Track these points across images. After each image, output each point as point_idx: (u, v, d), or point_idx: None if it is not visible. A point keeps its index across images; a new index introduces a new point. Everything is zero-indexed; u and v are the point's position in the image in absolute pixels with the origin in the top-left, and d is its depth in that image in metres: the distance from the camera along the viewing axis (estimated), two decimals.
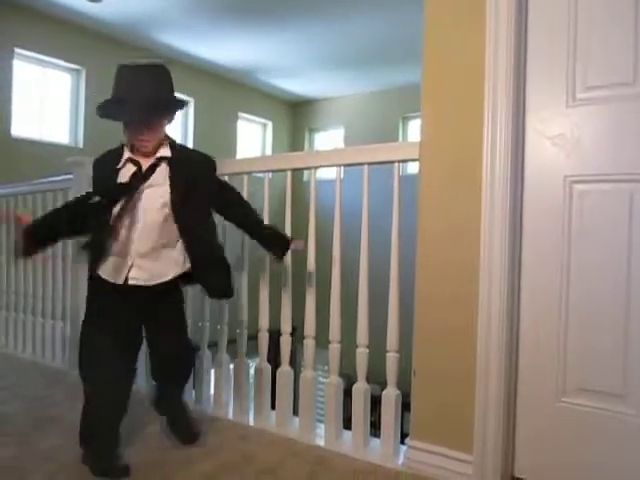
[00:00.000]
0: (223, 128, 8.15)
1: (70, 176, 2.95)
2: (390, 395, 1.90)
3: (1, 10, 5.72)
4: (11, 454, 1.86)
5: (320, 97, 9.34)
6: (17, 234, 1.87)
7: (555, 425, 1.63)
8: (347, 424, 2.05)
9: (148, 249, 1.73)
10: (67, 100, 6.58)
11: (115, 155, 1.77)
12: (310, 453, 1.93)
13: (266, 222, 2.08)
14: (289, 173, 2.19)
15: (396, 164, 1.92)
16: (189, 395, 2.41)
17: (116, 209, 1.70)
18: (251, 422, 2.22)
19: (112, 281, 1.74)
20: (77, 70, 6.58)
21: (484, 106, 1.65)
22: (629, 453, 1.52)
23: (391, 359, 1.91)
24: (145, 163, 1.73)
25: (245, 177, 2.30)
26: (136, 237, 1.71)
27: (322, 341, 2.13)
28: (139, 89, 1.65)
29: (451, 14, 1.74)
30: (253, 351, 2.29)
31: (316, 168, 2.13)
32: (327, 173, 2.23)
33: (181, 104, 1.78)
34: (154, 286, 1.75)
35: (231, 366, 2.35)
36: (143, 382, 2.44)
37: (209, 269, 1.81)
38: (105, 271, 1.75)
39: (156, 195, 1.71)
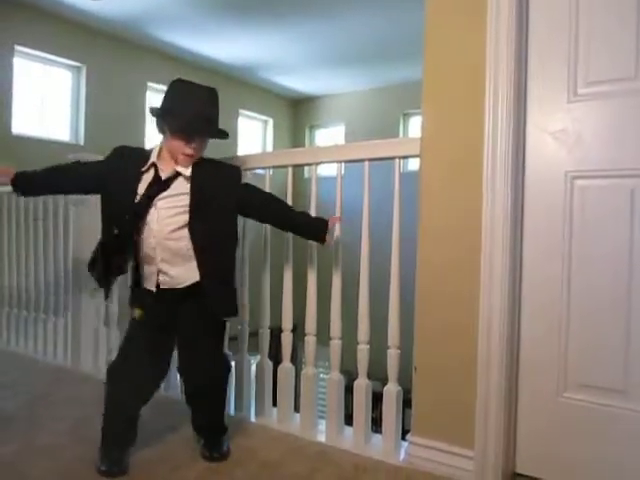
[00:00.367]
0: (224, 125, 8.10)
1: None
2: (391, 391, 1.91)
3: (2, 7, 5.72)
4: (12, 451, 1.87)
5: (321, 94, 9.32)
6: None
7: (556, 421, 1.64)
8: (348, 420, 2.05)
9: (170, 256, 1.72)
10: (68, 97, 6.58)
11: (144, 155, 1.77)
12: (311, 449, 1.93)
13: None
14: (290, 169, 2.19)
15: (397, 160, 1.92)
16: None
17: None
18: (252, 418, 2.22)
19: (147, 288, 1.77)
20: (78, 67, 6.58)
21: (485, 102, 1.65)
22: (630, 449, 1.52)
23: (392, 355, 1.91)
24: (164, 173, 1.73)
25: (248, 174, 2.30)
26: (158, 245, 1.71)
27: (323, 338, 2.13)
28: (198, 104, 1.71)
29: (452, 9, 1.73)
30: (254, 348, 2.29)
31: (317, 164, 2.13)
32: (328, 170, 2.23)
33: (227, 135, 1.80)
34: (186, 288, 1.74)
35: (232, 363, 2.35)
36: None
37: (214, 287, 1.75)
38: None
39: (174, 204, 1.71)
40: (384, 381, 1.92)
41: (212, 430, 1.90)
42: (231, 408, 2.29)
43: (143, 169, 1.74)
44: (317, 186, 2.13)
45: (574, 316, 1.62)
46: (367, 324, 1.98)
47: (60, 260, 3.13)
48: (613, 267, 1.55)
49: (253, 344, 2.31)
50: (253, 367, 2.30)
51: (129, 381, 1.71)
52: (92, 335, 2.93)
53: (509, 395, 1.66)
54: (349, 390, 2.02)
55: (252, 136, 9.21)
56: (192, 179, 1.73)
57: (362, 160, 1.98)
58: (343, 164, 2.06)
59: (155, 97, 6.94)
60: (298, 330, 2.21)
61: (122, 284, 2.38)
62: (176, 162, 1.73)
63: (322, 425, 2.08)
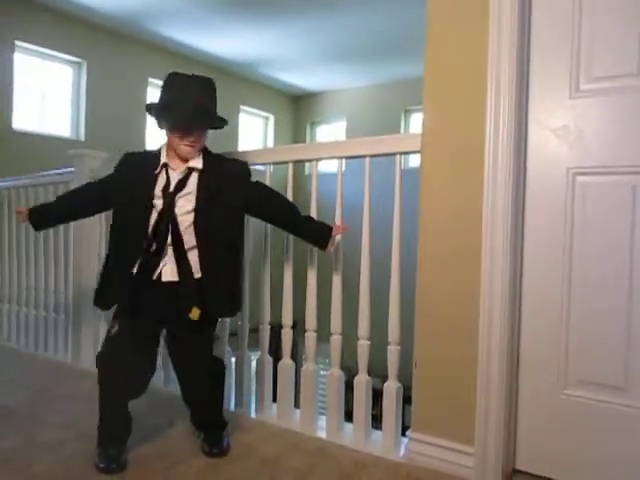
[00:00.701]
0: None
1: (71, 169, 2.95)
2: (391, 387, 1.91)
3: (2, 2, 5.71)
4: (12, 446, 1.87)
5: (322, 90, 9.31)
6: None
7: (557, 417, 1.63)
8: (348, 417, 2.05)
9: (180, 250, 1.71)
10: (68, 93, 6.58)
11: (153, 159, 1.76)
12: (311, 445, 1.93)
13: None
14: (290, 165, 2.19)
15: (398, 156, 1.91)
16: None
17: (153, 217, 1.70)
18: (252, 414, 2.22)
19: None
20: (78, 63, 6.57)
21: (487, 97, 1.64)
22: (630, 445, 1.52)
23: (392, 351, 1.91)
24: (176, 172, 1.73)
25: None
26: (170, 240, 1.70)
27: (323, 335, 2.13)
28: (191, 96, 1.69)
29: (454, 5, 1.72)
30: (254, 344, 2.29)
31: (317, 160, 2.12)
32: (328, 166, 2.23)
33: (225, 122, 1.80)
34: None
35: (232, 359, 2.35)
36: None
37: (213, 286, 1.73)
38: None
39: (187, 202, 1.71)
40: (384, 378, 1.92)
41: (211, 426, 1.89)
42: (231, 404, 2.30)
43: (156, 171, 1.73)
44: (317, 182, 2.13)
45: (575, 313, 1.61)
46: (367, 320, 1.98)
47: (61, 257, 3.13)
48: (614, 264, 1.55)
49: (253, 340, 2.31)
50: (253, 363, 2.30)
51: (120, 369, 1.69)
52: (92, 332, 2.93)
53: (509, 391, 1.66)
54: (349, 386, 2.02)
55: (253, 132, 9.21)
56: (201, 174, 1.73)
57: (363, 156, 1.97)
58: (344, 160, 2.05)
59: (156, 93, 6.95)
60: (298, 326, 2.21)
61: None
62: (180, 155, 1.73)
63: (322, 421, 2.08)
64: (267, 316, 2.25)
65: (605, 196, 1.56)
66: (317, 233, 1.86)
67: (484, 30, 1.65)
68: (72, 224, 2.99)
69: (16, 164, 5.08)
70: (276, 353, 2.23)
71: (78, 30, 6.38)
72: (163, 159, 1.74)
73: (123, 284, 1.71)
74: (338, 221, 2.01)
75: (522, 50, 1.64)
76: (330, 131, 9.60)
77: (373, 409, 2.00)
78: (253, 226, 2.30)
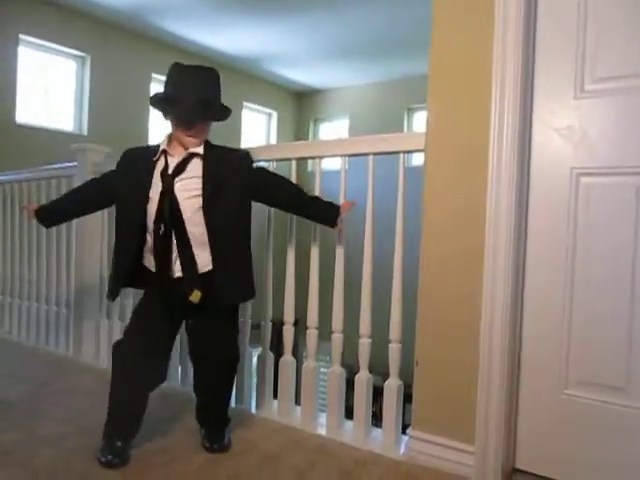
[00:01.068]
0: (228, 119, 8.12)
1: (74, 163, 2.96)
2: (392, 385, 1.91)
3: None
4: (13, 439, 1.88)
5: (325, 87, 9.30)
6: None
7: (557, 417, 1.64)
8: (348, 415, 2.06)
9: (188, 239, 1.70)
10: (72, 87, 6.57)
11: (154, 151, 1.76)
12: (312, 442, 1.94)
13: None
14: (294, 162, 2.18)
15: (401, 155, 1.91)
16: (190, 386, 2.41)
17: (153, 206, 1.69)
18: (253, 410, 2.23)
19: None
20: (82, 57, 6.56)
21: (491, 97, 1.64)
22: (630, 446, 1.52)
23: (393, 349, 1.92)
24: (175, 157, 1.73)
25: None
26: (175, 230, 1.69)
27: (324, 332, 2.13)
28: (194, 89, 1.70)
29: (459, 5, 1.72)
30: (255, 340, 2.29)
31: (321, 158, 2.12)
32: (331, 164, 2.22)
33: (229, 111, 1.80)
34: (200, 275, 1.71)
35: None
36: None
37: (226, 274, 1.73)
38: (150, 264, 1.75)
39: (190, 187, 1.70)
40: (384, 376, 1.92)
41: (215, 421, 1.90)
42: (232, 400, 2.30)
43: (155, 158, 1.74)
44: (321, 179, 2.12)
45: (577, 314, 1.61)
46: (369, 318, 1.98)
47: (63, 250, 3.13)
48: (617, 265, 1.55)
49: (254, 337, 2.31)
50: (254, 359, 2.31)
51: (134, 363, 1.70)
52: (94, 326, 2.94)
53: (510, 391, 1.66)
54: (349, 384, 2.02)
55: (256, 129, 9.20)
56: (204, 160, 1.73)
57: (366, 154, 1.97)
58: (347, 158, 2.05)
59: (159, 88, 6.95)
60: (299, 324, 2.21)
61: None
62: (183, 144, 1.73)
63: (322, 418, 2.09)
64: (269, 312, 2.25)
65: (609, 197, 1.56)
66: (326, 212, 1.86)
67: (489, 30, 1.64)
68: (75, 219, 3.00)
69: (19, 158, 5.09)
70: (277, 350, 2.24)
71: (82, 24, 6.37)
72: (163, 146, 1.75)
73: (124, 273, 1.75)
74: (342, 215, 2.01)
75: (527, 50, 1.64)
76: (333, 129, 9.58)
77: (373, 407, 2.01)
78: (254, 221, 2.29)
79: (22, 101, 6.00)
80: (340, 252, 2.04)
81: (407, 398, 1.89)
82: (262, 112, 9.31)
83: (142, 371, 1.71)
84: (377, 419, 2.00)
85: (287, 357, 2.18)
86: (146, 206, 1.70)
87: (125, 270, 1.76)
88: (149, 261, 1.75)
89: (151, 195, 1.70)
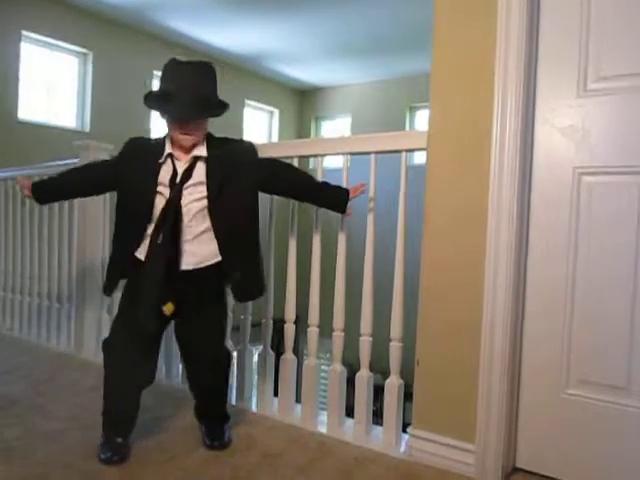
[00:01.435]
0: (230, 115, 8.10)
1: (76, 160, 2.95)
2: (393, 383, 1.91)
3: None
4: (16, 435, 1.88)
5: (327, 85, 9.29)
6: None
7: (558, 416, 1.64)
8: (349, 413, 2.06)
9: (191, 237, 1.70)
10: (74, 84, 6.57)
11: (158, 147, 1.75)
12: (312, 440, 1.94)
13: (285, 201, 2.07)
14: (296, 160, 2.18)
15: (403, 153, 1.91)
16: None
17: (158, 204, 1.69)
18: (254, 408, 2.23)
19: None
20: (84, 54, 6.57)
21: (494, 95, 1.64)
22: (631, 445, 1.52)
23: (394, 348, 1.91)
24: (182, 162, 1.72)
25: None
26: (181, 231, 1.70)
27: (325, 331, 2.13)
28: (189, 85, 1.67)
29: (462, 3, 1.71)
30: (256, 339, 2.29)
31: (323, 156, 2.12)
32: (333, 162, 2.22)
33: (225, 107, 1.77)
34: (199, 271, 1.72)
35: (235, 354, 2.36)
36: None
37: (236, 269, 1.75)
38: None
39: (195, 191, 1.70)
40: (385, 374, 1.92)
41: (214, 417, 1.90)
42: (233, 398, 2.30)
43: (160, 161, 1.72)
44: (323, 177, 2.12)
45: (578, 313, 1.61)
46: (370, 316, 1.98)
47: (64, 247, 3.14)
48: (618, 264, 1.54)
49: (255, 335, 2.31)
50: (255, 357, 2.31)
51: (126, 360, 1.70)
52: (95, 322, 2.94)
53: (511, 390, 1.66)
54: (350, 383, 2.02)
55: (258, 127, 9.20)
56: (208, 162, 1.72)
57: (369, 152, 1.97)
58: (349, 156, 2.05)
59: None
60: (300, 322, 2.21)
61: None
62: (181, 145, 1.72)
63: (323, 416, 2.09)
64: (270, 310, 2.25)
65: (611, 197, 1.56)
66: (335, 198, 1.85)
67: (492, 29, 1.64)
68: (76, 215, 3.01)
69: (21, 155, 5.09)
70: (277, 348, 2.24)
71: (85, 21, 6.37)
72: (168, 149, 1.73)
73: (120, 267, 1.76)
74: (343, 217, 2.01)
75: (530, 48, 1.63)
76: (335, 127, 9.58)
77: (374, 405, 2.01)
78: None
79: (24, 98, 6.00)
80: (342, 250, 2.04)
81: (407, 397, 1.89)
82: (264, 110, 9.31)
83: (133, 368, 1.71)
84: (377, 418, 2.00)
85: (288, 355, 2.18)
86: (150, 207, 1.69)
87: (123, 263, 1.76)
88: (143, 253, 1.72)
89: (157, 200, 1.69)
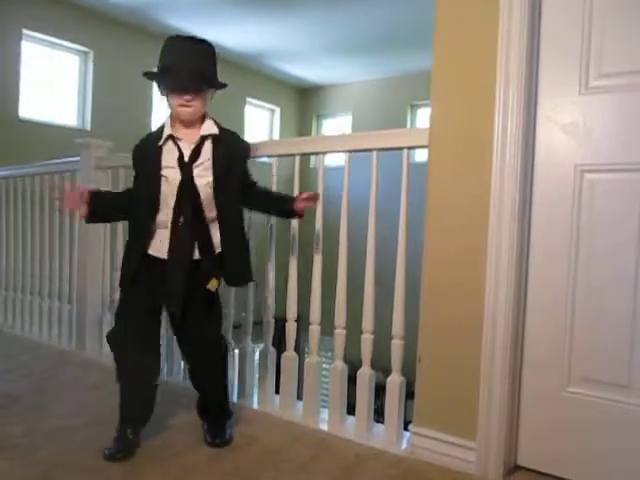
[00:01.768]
0: (231, 113, 8.12)
1: (78, 158, 2.96)
2: (395, 381, 1.91)
3: None
4: (19, 433, 1.88)
5: (328, 83, 9.28)
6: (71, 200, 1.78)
7: (559, 414, 1.64)
8: (350, 411, 2.06)
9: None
10: (75, 82, 6.57)
11: (156, 134, 1.76)
12: (313, 437, 1.94)
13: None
14: (297, 158, 2.18)
15: (405, 150, 1.90)
16: None
17: (168, 195, 1.69)
18: (255, 405, 2.23)
19: (159, 256, 1.73)
20: (85, 52, 6.56)
21: (495, 93, 1.63)
22: (633, 443, 1.52)
23: (396, 345, 1.91)
24: (186, 142, 1.72)
25: (253, 161, 2.30)
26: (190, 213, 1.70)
27: (326, 329, 2.13)
28: (187, 57, 1.68)
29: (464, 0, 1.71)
30: (258, 336, 2.30)
31: (324, 153, 2.12)
32: (334, 160, 2.22)
33: (224, 85, 1.79)
34: (197, 260, 1.72)
35: (236, 351, 2.36)
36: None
37: (234, 255, 1.77)
38: (154, 248, 1.74)
39: (203, 173, 1.71)
40: (386, 373, 1.92)
41: (216, 415, 1.90)
42: (234, 395, 2.31)
43: (160, 144, 1.72)
44: (324, 175, 2.12)
45: (580, 311, 1.61)
46: (372, 314, 1.98)
47: (66, 245, 3.14)
48: (621, 262, 1.54)
49: (257, 333, 2.31)
50: (257, 355, 2.31)
51: (134, 348, 1.72)
52: (97, 321, 2.95)
53: (512, 388, 1.66)
54: (351, 381, 2.02)
55: (259, 125, 9.19)
56: (215, 143, 1.73)
57: (370, 150, 1.97)
58: (351, 154, 2.05)
59: None
60: (301, 320, 2.21)
61: None
62: (183, 122, 1.72)
63: (324, 413, 2.09)
64: (271, 307, 2.25)
65: (613, 194, 1.56)
66: (283, 206, 1.85)
67: (493, 26, 1.63)
68: (78, 213, 3.00)
69: (22, 153, 5.10)
70: (279, 346, 2.24)
71: (86, 19, 6.37)
72: (168, 131, 1.73)
73: (135, 262, 1.74)
74: (344, 215, 2.01)
75: (532, 45, 1.63)
76: (336, 125, 9.57)
77: (375, 403, 2.01)
78: (256, 217, 2.30)
79: (25, 96, 6.00)
80: (343, 248, 2.04)
81: (409, 395, 1.90)
82: (265, 108, 9.31)
83: (139, 361, 1.73)
84: (378, 415, 2.00)
85: (289, 352, 2.18)
86: (156, 192, 1.69)
87: (139, 254, 1.74)
88: (156, 248, 1.73)
89: (163, 185, 1.69)
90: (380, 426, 1.97)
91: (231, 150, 1.77)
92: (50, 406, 2.15)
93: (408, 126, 8.31)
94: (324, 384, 2.10)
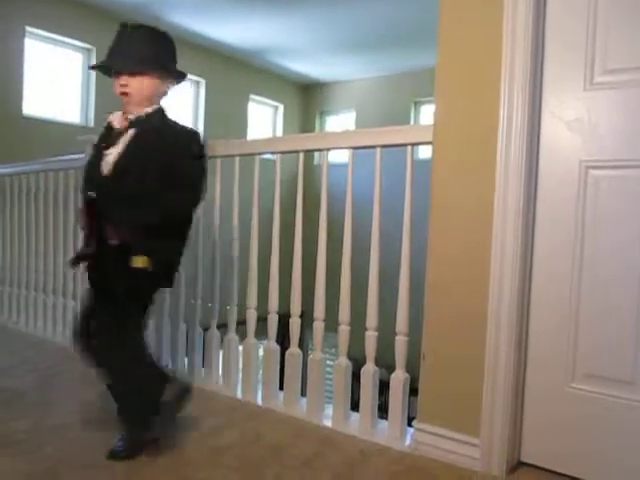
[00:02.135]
0: (234, 110, 8.12)
1: (81, 155, 2.95)
2: (399, 377, 1.91)
3: None
4: (23, 428, 1.89)
5: (332, 80, 9.26)
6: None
7: (563, 411, 1.63)
8: (354, 408, 2.06)
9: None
10: (78, 79, 6.57)
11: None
12: (317, 433, 1.95)
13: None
14: (301, 155, 2.18)
15: (409, 147, 1.90)
16: (198, 376, 2.43)
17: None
18: (259, 401, 2.24)
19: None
20: (88, 49, 6.56)
21: (500, 89, 1.63)
22: (636, 440, 1.52)
23: (400, 342, 1.92)
24: (118, 125, 1.71)
25: (257, 158, 2.30)
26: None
27: (330, 325, 2.13)
28: (124, 41, 1.69)
29: None
30: (262, 333, 2.30)
31: (328, 150, 2.12)
32: (337, 157, 2.22)
33: (160, 66, 1.71)
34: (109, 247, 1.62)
35: (240, 347, 2.36)
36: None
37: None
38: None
39: (111, 158, 1.65)
40: (390, 369, 1.92)
41: (121, 418, 1.77)
42: (238, 391, 2.31)
43: (102, 133, 1.75)
44: (327, 172, 2.12)
45: (584, 308, 1.61)
46: (376, 311, 1.98)
47: (70, 241, 3.15)
48: (625, 258, 1.54)
49: (260, 329, 2.31)
50: (260, 351, 2.32)
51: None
52: None
53: (516, 384, 1.66)
54: (355, 378, 2.02)
55: (262, 122, 9.18)
56: (136, 131, 1.66)
57: (374, 146, 1.96)
58: (354, 151, 2.04)
59: None
60: (305, 316, 2.21)
61: None
62: (124, 107, 1.71)
63: (328, 410, 2.09)
64: (275, 303, 2.25)
65: (618, 190, 1.55)
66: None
67: (498, 22, 1.63)
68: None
69: (26, 150, 5.10)
70: (283, 343, 2.24)
71: (88, 16, 6.36)
72: (109, 118, 1.74)
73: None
74: (348, 211, 2.01)
75: (537, 42, 1.62)
76: (339, 122, 9.55)
77: (378, 400, 2.01)
78: (259, 214, 2.30)
79: (29, 93, 6.00)
80: (347, 245, 2.03)
81: (412, 391, 1.90)
82: (268, 105, 9.29)
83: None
84: (382, 412, 2.00)
85: (293, 349, 2.18)
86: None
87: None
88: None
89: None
90: (384, 422, 1.97)
91: (145, 139, 1.66)
92: (55, 402, 2.16)
93: (412, 123, 8.29)
94: (328, 381, 2.10)
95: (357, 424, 1.99)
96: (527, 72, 1.60)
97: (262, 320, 2.29)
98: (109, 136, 1.71)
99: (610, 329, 1.57)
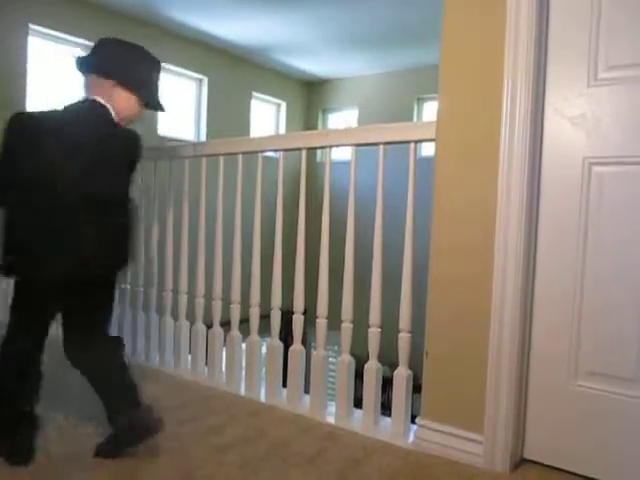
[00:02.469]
0: (237, 108, 8.12)
1: None
2: (402, 374, 1.91)
3: None
4: None
5: (334, 77, 9.25)
6: None
7: (567, 408, 1.63)
8: (357, 405, 2.06)
9: None
10: (81, 77, 6.58)
11: None
12: (320, 430, 1.95)
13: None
14: (304, 152, 2.18)
15: (412, 144, 1.90)
16: (202, 371, 2.44)
17: None
18: (262, 399, 2.24)
19: None
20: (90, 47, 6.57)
21: (503, 85, 1.63)
22: (639, 437, 1.52)
23: (403, 339, 1.92)
24: None
25: (259, 156, 2.30)
26: None
27: (333, 323, 2.14)
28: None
29: None
30: (265, 330, 2.30)
31: (331, 147, 2.11)
32: (340, 154, 2.22)
33: (102, 71, 1.87)
34: None
35: (243, 345, 2.37)
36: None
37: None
38: None
39: None
40: (393, 367, 1.92)
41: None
42: (242, 388, 2.32)
43: None
44: (330, 169, 2.12)
45: (587, 305, 1.60)
46: (379, 307, 1.98)
47: None
48: (628, 255, 1.54)
49: (264, 326, 2.32)
50: (264, 348, 2.32)
51: None
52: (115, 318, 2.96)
53: (519, 381, 1.66)
54: (358, 375, 2.03)
55: (265, 119, 9.18)
56: None
57: (376, 144, 1.96)
58: (357, 148, 2.04)
59: (168, 78, 6.93)
60: (308, 314, 2.22)
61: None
62: None
63: (331, 407, 2.10)
64: (278, 300, 2.26)
65: (621, 187, 1.55)
66: None
67: (501, 18, 1.63)
68: None
69: None
70: (285, 340, 2.25)
71: (92, 14, 6.36)
72: None
73: None
74: (351, 209, 2.01)
75: (540, 37, 1.62)
76: (342, 119, 9.54)
77: (382, 396, 2.01)
78: (263, 211, 2.30)
79: (32, 91, 6.01)
80: (350, 242, 2.04)
81: (415, 388, 1.90)
82: (271, 102, 9.28)
83: None
84: (385, 409, 2.01)
85: (296, 346, 2.19)
86: None
87: None
88: None
89: None
90: (387, 419, 1.98)
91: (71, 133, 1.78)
92: (52, 401, 2.16)
93: (415, 120, 8.28)
94: (331, 378, 2.11)
95: (360, 421, 1.99)
96: (530, 68, 1.59)
97: (265, 317, 2.29)
98: None
99: (614, 326, 1.56)
